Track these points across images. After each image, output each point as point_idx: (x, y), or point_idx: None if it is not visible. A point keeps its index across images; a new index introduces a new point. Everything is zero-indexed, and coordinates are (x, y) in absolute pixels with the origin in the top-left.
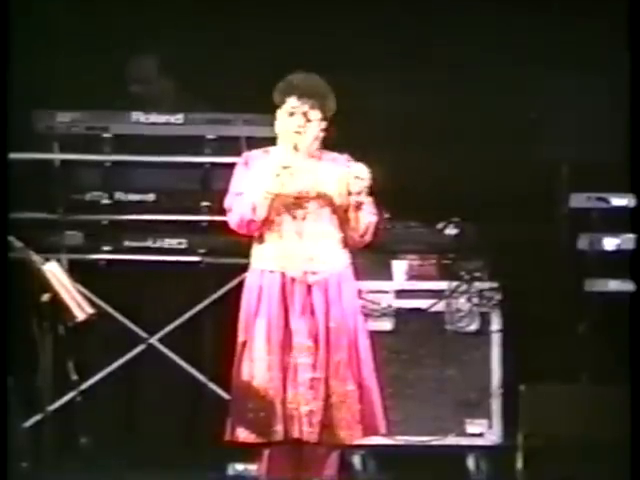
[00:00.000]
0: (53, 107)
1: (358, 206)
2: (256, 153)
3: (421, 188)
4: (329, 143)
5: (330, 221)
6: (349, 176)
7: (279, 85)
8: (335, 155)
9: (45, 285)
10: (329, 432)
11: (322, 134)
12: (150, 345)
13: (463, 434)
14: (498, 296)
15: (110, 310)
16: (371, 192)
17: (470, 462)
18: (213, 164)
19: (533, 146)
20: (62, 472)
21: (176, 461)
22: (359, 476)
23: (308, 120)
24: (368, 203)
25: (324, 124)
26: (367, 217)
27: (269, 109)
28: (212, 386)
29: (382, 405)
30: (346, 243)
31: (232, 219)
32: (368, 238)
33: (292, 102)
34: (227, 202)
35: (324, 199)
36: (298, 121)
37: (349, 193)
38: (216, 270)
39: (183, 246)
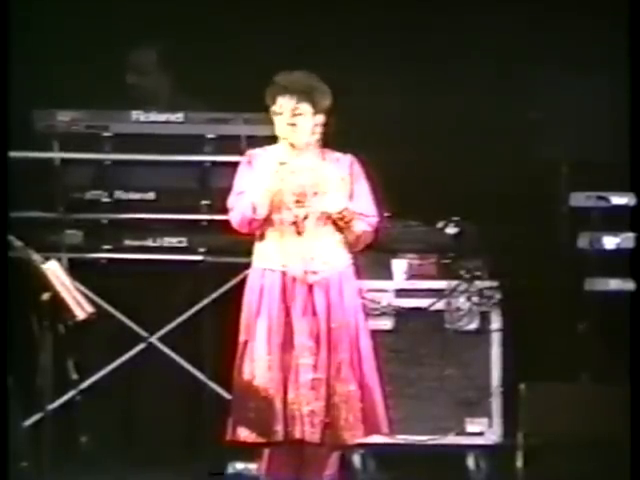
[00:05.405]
0: (53, 106)
1: (347, 223)
2: (258, 152)
3: (421, 188)
4: (330, 143)
5: (332, 220)
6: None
7: (267, 88)
8: (339, 155)
9: (45, 284)
10: (331, 432)
11: (320, 129)
12: (150, 344)
13: (463, 433)
14: (498, 295)
15: (110, 309)
16: (372, 192)
17: (470, 461)
18: (213, 163)
19: (533, 146)
20: (62, 472)
21: (176, 461)
22: (359, 475)
23: (297, 115)
24: (362, 213)
25: (319, 118)
26: (359, 226)
27: (268, 108)
28: (212, 385)
29: (384, 404)
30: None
31: (234, 218)
32: (362, 244)
33: (280, 101)
34: (230, 201)
35: (325, 198)
36: (287, 118)
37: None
38: (216, 269)
39: (183, 245)
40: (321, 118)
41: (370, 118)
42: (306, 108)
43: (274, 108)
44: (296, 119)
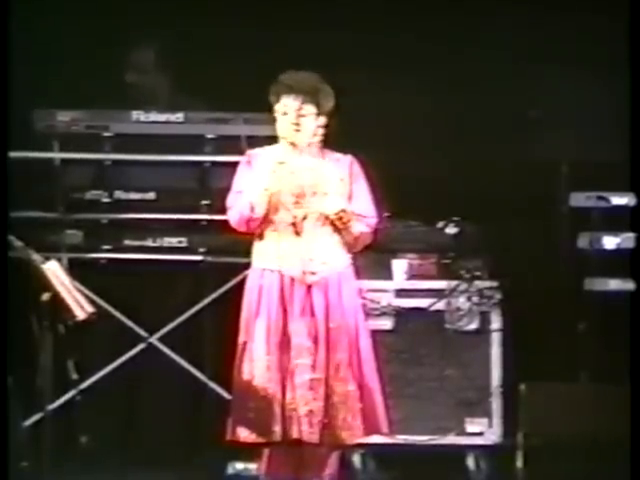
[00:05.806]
0: (53, 106)
1: (345, 223)
2: (258, 151)
3: (421, 188)
4: (331, 143)
5: (330, 221)
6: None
7: (272, 86)
8: (339, 156)
9: (45, 284)
10: (330, 432)
11: (322, 130)
12: (150, 344)
13: (463, 433)
14: (498, 295)
15: (110, 309)
16: (371, 191)
17: (470, 461)
18: (213, 163)
19: (533, 146)
20: (62, 472)
21: (176, 461)
22: (359, 475)
23: (301, 116)
24: (360, 214)
25: (322, 120)
26: (358, 227)
27: (269, 108)
28: (212, 385)
29: (384, 404)
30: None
31: (232, 217)
32: (361, 245)
33: (284, 100)
34: (228, 200)
35: (324, 198)
36: (291, 118)
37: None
38: (216, 269)
39: (183, 245)
40: (323, 120)
41: (370, 118)
42: (310, 109)
43: (277, 107)
44: (300, 120)
